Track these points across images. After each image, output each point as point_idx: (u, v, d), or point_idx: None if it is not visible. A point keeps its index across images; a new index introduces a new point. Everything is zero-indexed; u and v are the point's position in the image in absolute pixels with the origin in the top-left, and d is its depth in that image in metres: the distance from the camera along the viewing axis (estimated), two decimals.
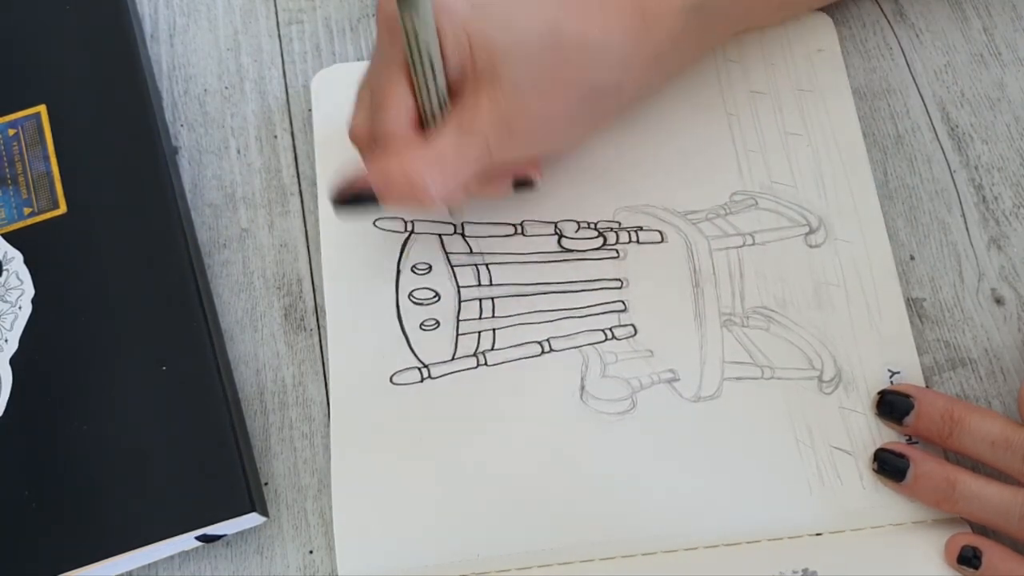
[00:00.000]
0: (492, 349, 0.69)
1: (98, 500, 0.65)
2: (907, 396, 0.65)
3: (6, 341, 0.68)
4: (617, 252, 0.71)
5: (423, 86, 0.61)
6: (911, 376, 0.68)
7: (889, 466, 0.64)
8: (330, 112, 0.76)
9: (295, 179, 0.75)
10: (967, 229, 0.72)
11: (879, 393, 0.67)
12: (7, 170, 0.72)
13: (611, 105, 0.68)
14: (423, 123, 0.63)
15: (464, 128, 0.61)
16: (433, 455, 0.67)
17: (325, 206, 0.73)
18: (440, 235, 0.72)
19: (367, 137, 0.65)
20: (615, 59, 0.64)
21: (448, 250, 0.72)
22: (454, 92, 0.62)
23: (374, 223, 0.73)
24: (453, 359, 0.69)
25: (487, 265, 0.71)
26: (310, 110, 0.77)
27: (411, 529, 0.66)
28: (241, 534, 0.67)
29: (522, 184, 0.68)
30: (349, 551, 0.65)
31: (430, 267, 0.71)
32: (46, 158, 0.72)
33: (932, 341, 0.69)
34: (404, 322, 0.70)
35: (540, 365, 0.69)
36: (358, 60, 0.78)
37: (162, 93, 0.78)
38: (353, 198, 0.64)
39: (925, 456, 0.64)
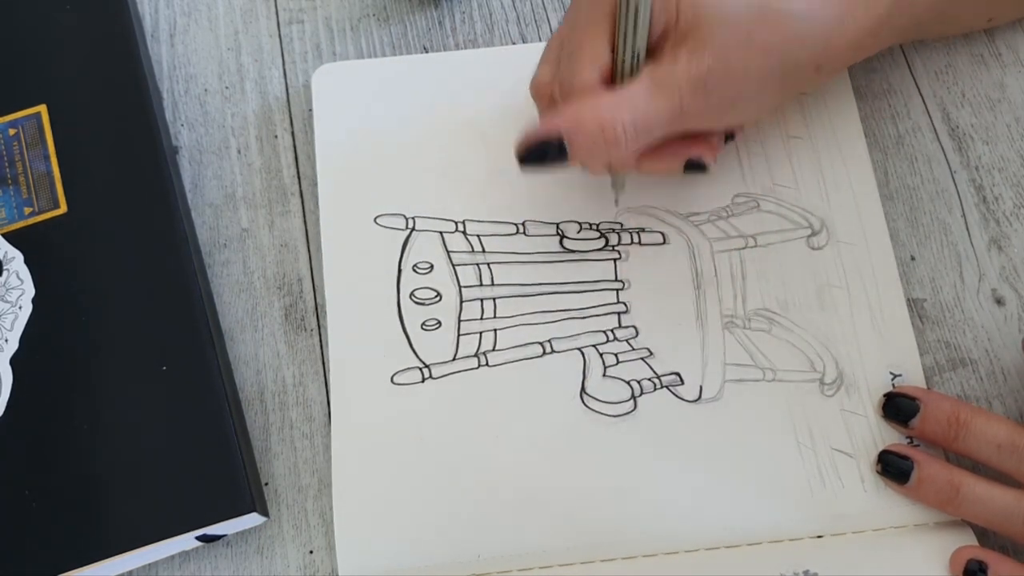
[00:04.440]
0: (493, 350, 0.69)
1: (98, 500, 0.65)
2: (913, 399, 0.65)
3: (6, 341, 0.68)
4: (619, 253, 0.71)
5: (626, 41, 0.61)
6: (913, 378, 0.68)
7: (893, 468, 0.65)
8: (331, 107, 0.76)
9: (295, 179, 0.75)
10: (968, 230, 0.72)
11: (885, 395, 0.67)
12: (7, 170, 0.72)
13: (802, 82, 0.67)
14: (614, 79, 0.63)
15: (659, 81, 0.61)
16: (434, 455, 0.67)
17: (326, 204, 0.73)
18: (441, 233, 0.72)
19: (549, 92, 0.65)
20: (816, 36, 0.63)
21: (450, 248, 0.72)
22: (652, 49, 0.62)
23: (375, 220, 0.73)
24: (454, 359, 0.69)
25: (489, 265, 0.71)
26: (310, 110, 0.77)
27: (412, 529, 0.66)
28: (241, 534, 0.67)
29: (694, 167, 0.67)
30: (350, 551, 0.65)
31: (432, 266, 0.71)
32: (46, 158, 0.72)
33: (933, 341, 0.69)
34: (405, 322, 0.70)
35: (541, 366, 0.69)
36: (359, 59, 0.78)
37: (162, 93, 0.78)
38: (539, 152, 0.62)
39: (929, 459, 0.64)
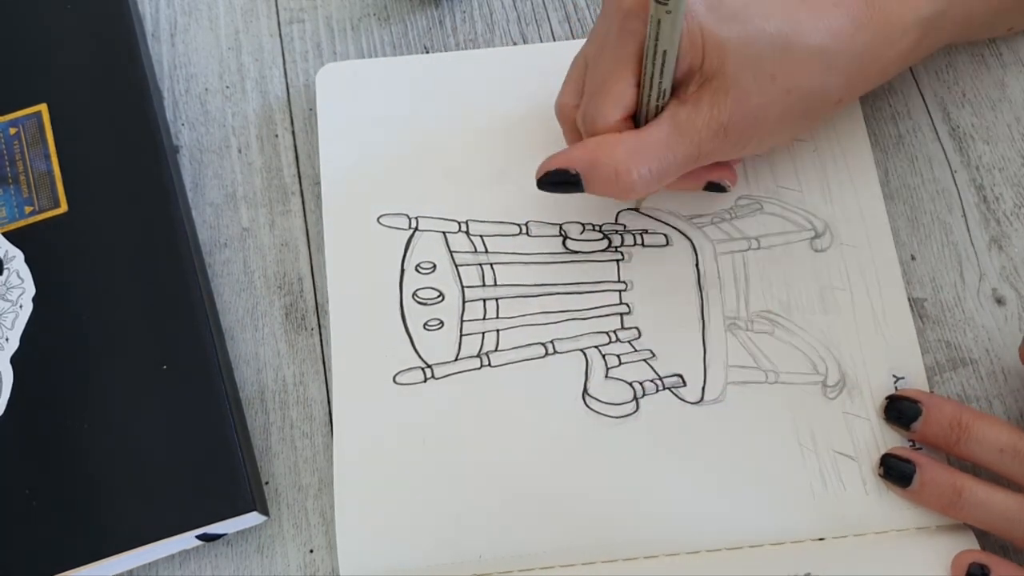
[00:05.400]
0: (496, 350, 0.69)
1: (99, 499, 0.65)
2: (915, 402, 0.65)
3: (7, 340, 0.68)
4: (622, 254, 0.71)
5: (651, 82, 0.61)
6: (916, 382, 0.68)
7: (895, 471, 0.65)
8: (335, 107, 0.76)
9: (296, 178, 0.75)
10: (968, 229, 0.72)
11: (887, 398, 0.67)
12: (8, 169, 0.72)
13: (820, 112, 0.66)
14: (636, 115, 0.63)
15: (679, 126, 0.61)
16: (435, 455, 0.67)
17: (329, 204, 0.73)
18: (444, 233, 0.72)
19: (573, 117, 0.66)
20: (842, 70, 0.63)
21: (452, 248, 0.72)
22: (676, 85, 0.62)
23: (378, 219, 0.73)
24: (457, 359, 0.69)
25: (491, 265, 0.71)
26: (311, 109, 0.77)
27: (413, 529, 0.66)
28: (242, 533, 0.67)
29: (714, 187, 0.68)
30: (351, 551, 0.65)
31: (434, 266, 0.71)
32: (47, 157, 0.72)
33: (933, 341, 0.69)
34: (408, 322, 0.70)
35: (543, 367, 0.69)
36: (362, 59, 0.78)
37: (163, 92, 0.78)
38: (557, 180, 0.64)
39: (932, 462, 0.64)
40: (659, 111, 0.62)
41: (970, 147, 0.74)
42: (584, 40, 0.68)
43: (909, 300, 0.70)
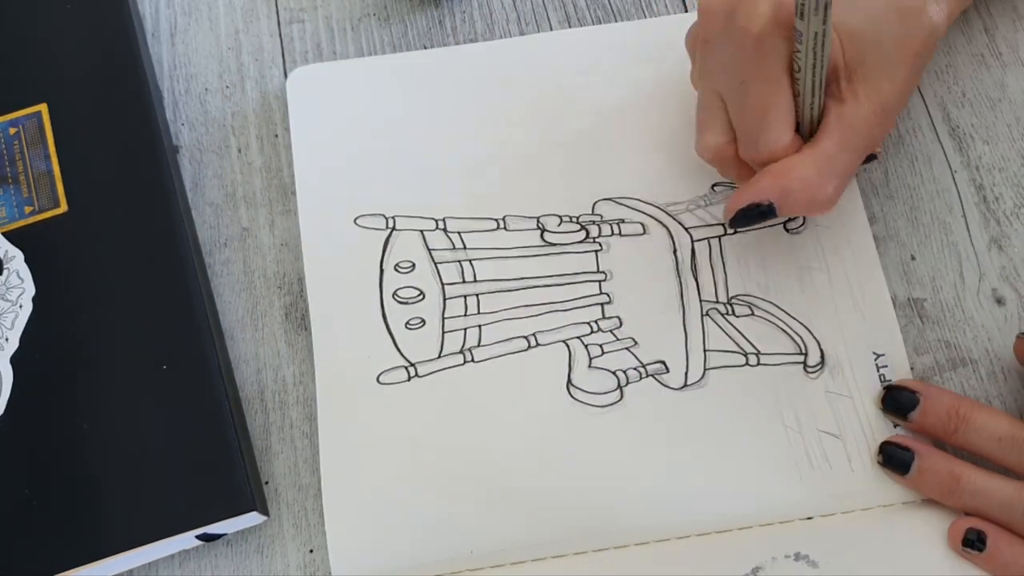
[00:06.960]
0: (478, 345, 0.69)
1: (98, 499, 0.65)
2: (913, 392, 0.65)
3: (7, 340, 0.68)
4: (600, 245, 0.72)
5: (814, 92, 0.61)
6: (896, 359, 0.68)
7: (894, 459, 0.65)
8: (307, 110, 0.77)
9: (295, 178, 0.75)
10: (968, 229, 0.72)
11: (884, 387, 0.67)
12: (8, 169, 0.73)
13: (933, 49, 0.66)
14: (799, 127, 0.64)
15: (851, 126, 0.63)
16: (422, 453, 0.67)
17: (304, 207, 0.74)
18: (422, 231, 0.72)
19: (732, 154, 0.66)
20: (939, 14, 0.64)
21: (431, 246, 0.72)
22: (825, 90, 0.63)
23: (355, 221, 0.73)
24: (440, 357, 0.69)
25: (471, 261, 0.71)
26: None
27: (404, 528, 0.66)
28: (241, 533, 0.67)
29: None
30: (342, 552, 0.65)
31: (413, 265, 0.71)
32: (47, 157, 0.73)
33: (933, 341, 0.69)
34: (389, 321, 0.70)
35: (527, 360, 0.69)
36: (359, 58, 0.79)
37: (163, 92, 0.78)
38: (750, 213, 0.64)
39: (930, 450, 0.64)
40: (815, 118, 0.63)
41: (970, 147, 0.74)
42: None
43: (908, 299, 0.70)
